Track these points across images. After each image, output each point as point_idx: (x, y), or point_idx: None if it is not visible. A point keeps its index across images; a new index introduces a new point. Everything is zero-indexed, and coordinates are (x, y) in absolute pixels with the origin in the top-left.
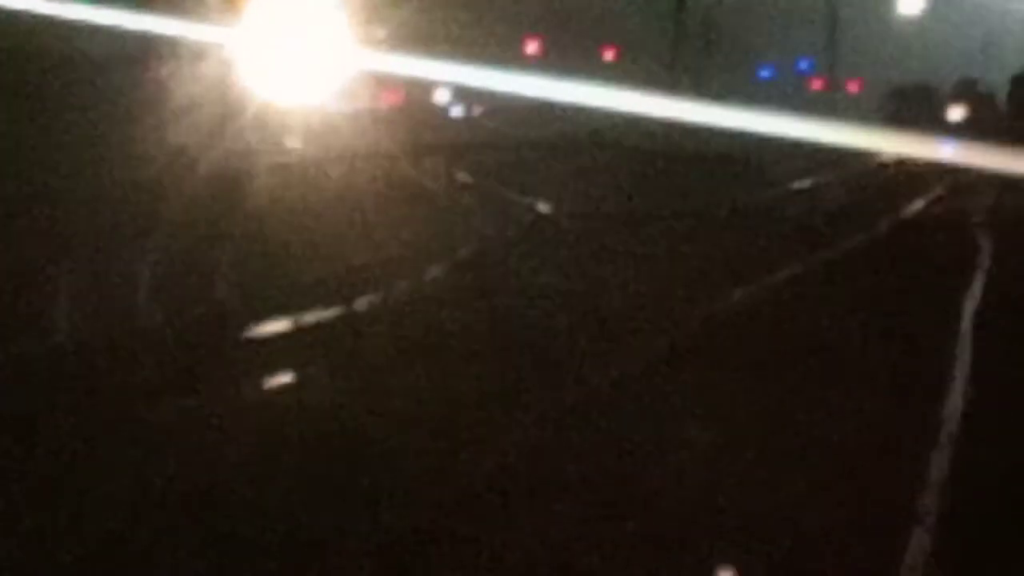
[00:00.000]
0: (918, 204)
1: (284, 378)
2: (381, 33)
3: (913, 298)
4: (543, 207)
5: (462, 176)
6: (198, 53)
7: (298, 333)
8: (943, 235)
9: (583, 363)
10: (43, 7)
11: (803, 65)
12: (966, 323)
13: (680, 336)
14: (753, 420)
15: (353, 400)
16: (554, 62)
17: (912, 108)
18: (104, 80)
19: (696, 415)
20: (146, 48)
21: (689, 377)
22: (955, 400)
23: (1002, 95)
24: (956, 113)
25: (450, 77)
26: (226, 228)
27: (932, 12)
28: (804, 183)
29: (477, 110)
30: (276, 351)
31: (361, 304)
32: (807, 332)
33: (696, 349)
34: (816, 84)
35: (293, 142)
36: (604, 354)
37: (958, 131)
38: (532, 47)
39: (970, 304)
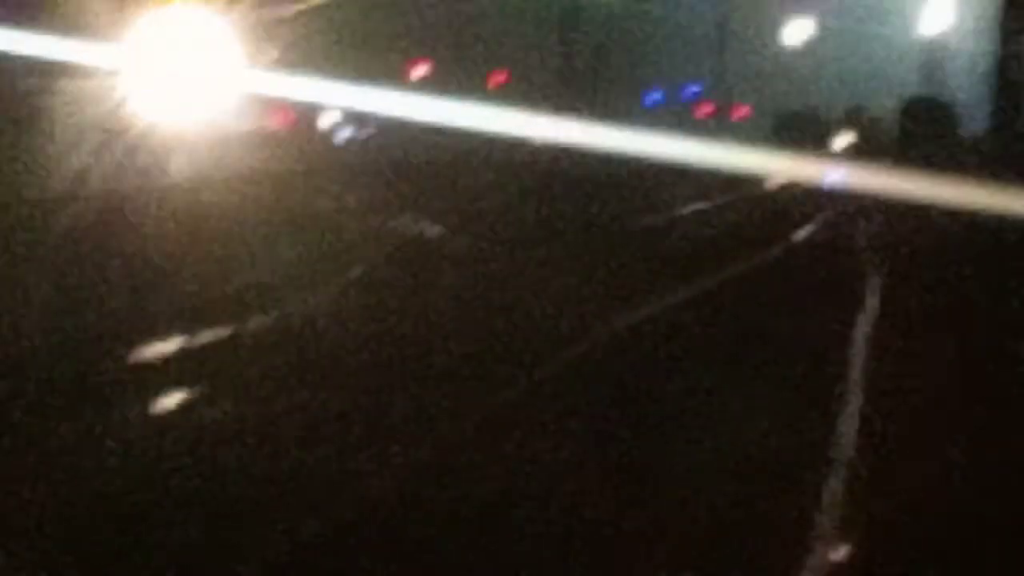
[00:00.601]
0: (806, 229)
1: (173, 399)
2: (270, 54)
3: (804, 323)
4: (432, 229)
5: (351, 199)
6: (84, 71)
7: (187, 353)
8: (832, 260)
9: (473, 385)
10: None
11: (691, 90)
12: (858, 346)
13: (568, 359)
14: (641, 444)
15: (242, 422)
16: (443, 85)
17: (801, 134)
18: None
19: (583, 437)
20: (31, 66)
21: (576, 399)
22: (849, 423)
23: (891, 122)
24: (845, 139)
25: (338, 99)
26: (114, 248)
27: (820, 39)
28: (691, 207)
29: (365, 133)
30: (164, 372)
31: (250, 326)
32: (696, 356)
33: (583, 371)
34: (704, 110)
35: (181, 162)
36: (493, 376)
37: (847, 158)
38: (421, 70)
39: (861, 328)
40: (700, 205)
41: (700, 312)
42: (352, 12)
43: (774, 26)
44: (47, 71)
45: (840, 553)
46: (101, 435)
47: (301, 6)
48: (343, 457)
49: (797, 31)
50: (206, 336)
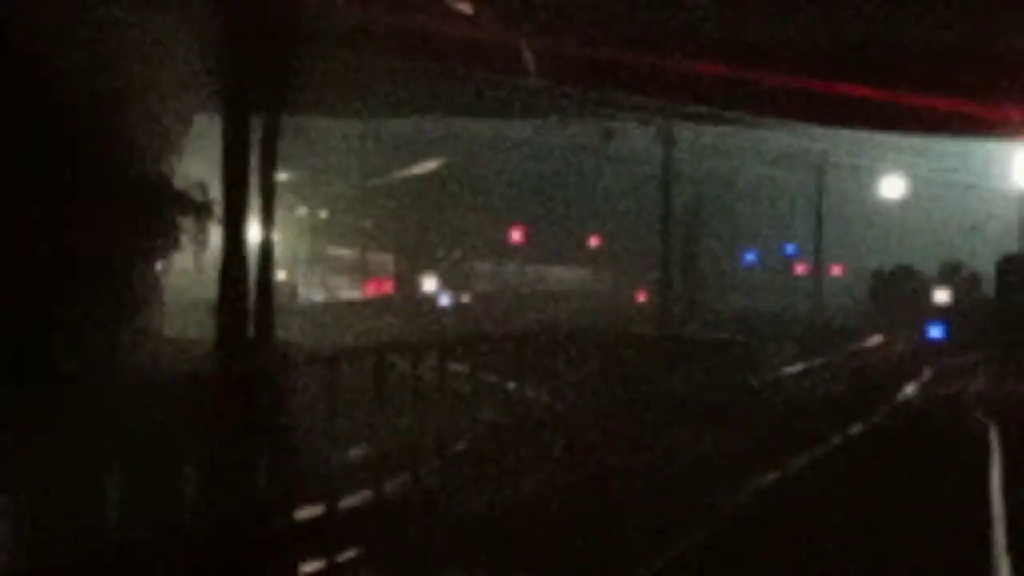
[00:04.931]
0: (911, 387)
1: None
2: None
3: (936, 480)
4: (533, 393)
5: (455, 366)
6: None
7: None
8: (948, 416)
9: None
10: None
11: (788, 250)
12: (996, 506)
13: (690, 537)
14: None
15: None
16: (540, 249)
17: (896, 290)
18: None
19: None
20: None
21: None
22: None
23: (987, 276)
24: (941, 295)
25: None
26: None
27: (915, 196)
28: (794, 367)
29: (466, 298)
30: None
31: (352, 501)
32: (827, 521)
33: (711, 549)
34: (800, 268)
35: (292, 336)
36: (614, 533)
37: (944, 313)
38: (518, 235)
39: (995, 485)
40: (801, 365)
41: (822, 478)
42: (453, 180)
43: (868, 185)
44: None
45: None
46: None
47: (403, 174)
48: None
49: (891, 189)
50: (346, 502)
